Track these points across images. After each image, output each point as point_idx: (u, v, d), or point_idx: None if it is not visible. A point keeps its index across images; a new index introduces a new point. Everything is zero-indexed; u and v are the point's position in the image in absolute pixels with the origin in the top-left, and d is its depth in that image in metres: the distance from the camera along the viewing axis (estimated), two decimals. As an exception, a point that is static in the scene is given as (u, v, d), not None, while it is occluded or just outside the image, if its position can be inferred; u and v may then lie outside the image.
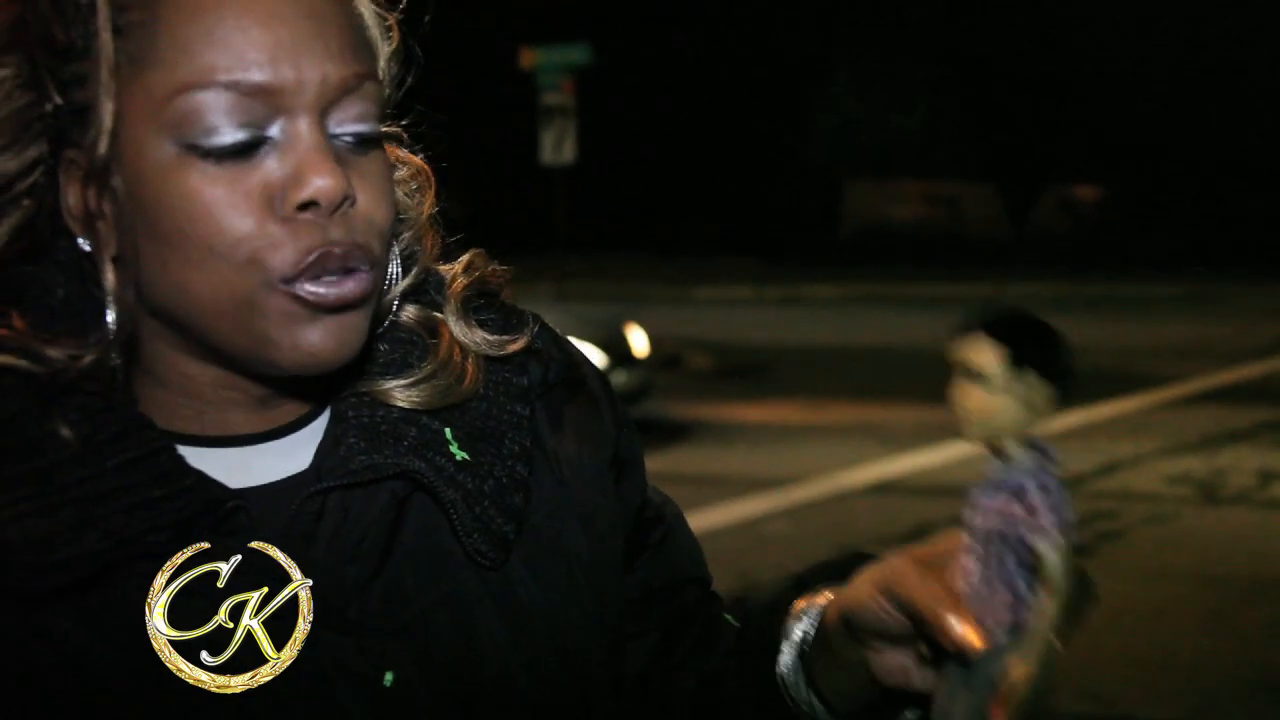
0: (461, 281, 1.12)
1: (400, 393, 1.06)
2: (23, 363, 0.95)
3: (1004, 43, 30.43)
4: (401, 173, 1.10)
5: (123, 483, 0.95)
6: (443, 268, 1.14)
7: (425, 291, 1.12)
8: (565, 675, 1.09)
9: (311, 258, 0.95)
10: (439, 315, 1.11)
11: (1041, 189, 31.47)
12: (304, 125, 0.96)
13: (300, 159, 0.95)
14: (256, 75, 0.94)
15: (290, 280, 0.95)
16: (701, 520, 8.19)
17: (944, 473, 9.65)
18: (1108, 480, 9.67)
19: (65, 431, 0.95)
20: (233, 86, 0.93)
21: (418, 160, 1.12)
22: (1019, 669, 0.88)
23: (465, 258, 1.14)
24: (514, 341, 1.12)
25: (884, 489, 9.54)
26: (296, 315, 0.96)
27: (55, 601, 0.94)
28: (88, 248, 0.98)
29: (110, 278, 0.97)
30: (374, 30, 1.03)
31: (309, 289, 0.96)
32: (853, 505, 9.07)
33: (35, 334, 0.96)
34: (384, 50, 1.04)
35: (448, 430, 1.07)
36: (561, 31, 17.30)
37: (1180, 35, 29.00)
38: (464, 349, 1.10)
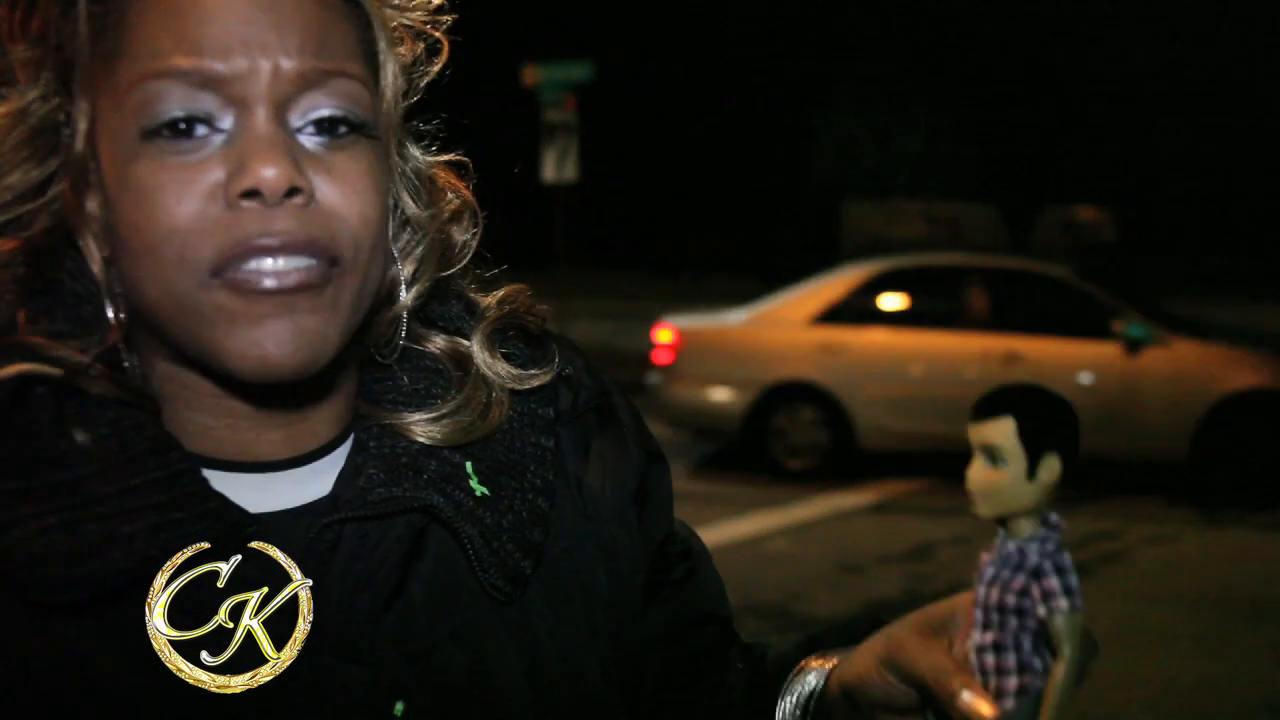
0: (494, 314, 1.12)
1: (420, 427, 1.06)
2: (45, 368, 0.96)
3: (1005, 64, 30.50)
4: (444, 203, 1.09)
5: (146, 502, 0.95)
6: (479, 297, 1.13)
7: (452, 319, 1.11)
8: (579, 707, 1.08)
9: (241, 247, 0.93)
10: (466, 345, 1.10)
11: (1041, 210, 31.51)
12: (258, 116, 0.95)
13: (246, 149, 0.94)
14: (208, 64, 0.94)
15: (221, 270, 0.94)
16: (702, 538, 8.15)
17: (945, 492, 9.64)
18: (1108, 502, 9.65)
19: (93, 446, 0.95)
20: (185, 76, 0.94)
21: (468, 194, 1.11)
22: None
23: (502, 292, 1.14)
24: (537, 376, 1.11)
25: (883, 508, 9.53)
26: (235, 313, 0.94)
27: (70, 611, 0.94)
28: (81, 242, 0.99)
29: (102, 273, 0.98)
30: (383, 42, 1.02)
31: (243, 277, 0.94)
32: (852, 524, 9.05)
33: (49, 337, 0.97)
34: (390, 56, 1.03)
35: (469, 464, 1.06)
36: (564, 49, 17.35)
37: (1182, 58, 29.05)
38: (489, 384, 1.09)
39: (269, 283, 0.94)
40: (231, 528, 0.97)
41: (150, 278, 0.95)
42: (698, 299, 24.12)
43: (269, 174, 0.93)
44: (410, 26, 1.06)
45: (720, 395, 10.72)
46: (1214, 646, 6.56)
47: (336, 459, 1.06)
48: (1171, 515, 9.38)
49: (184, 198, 0.93)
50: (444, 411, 1.06)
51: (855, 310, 10.61)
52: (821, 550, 8.22)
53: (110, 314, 0.99)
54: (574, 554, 1.11)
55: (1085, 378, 9.92)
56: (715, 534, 8.16)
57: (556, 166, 14.98)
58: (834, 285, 10.81)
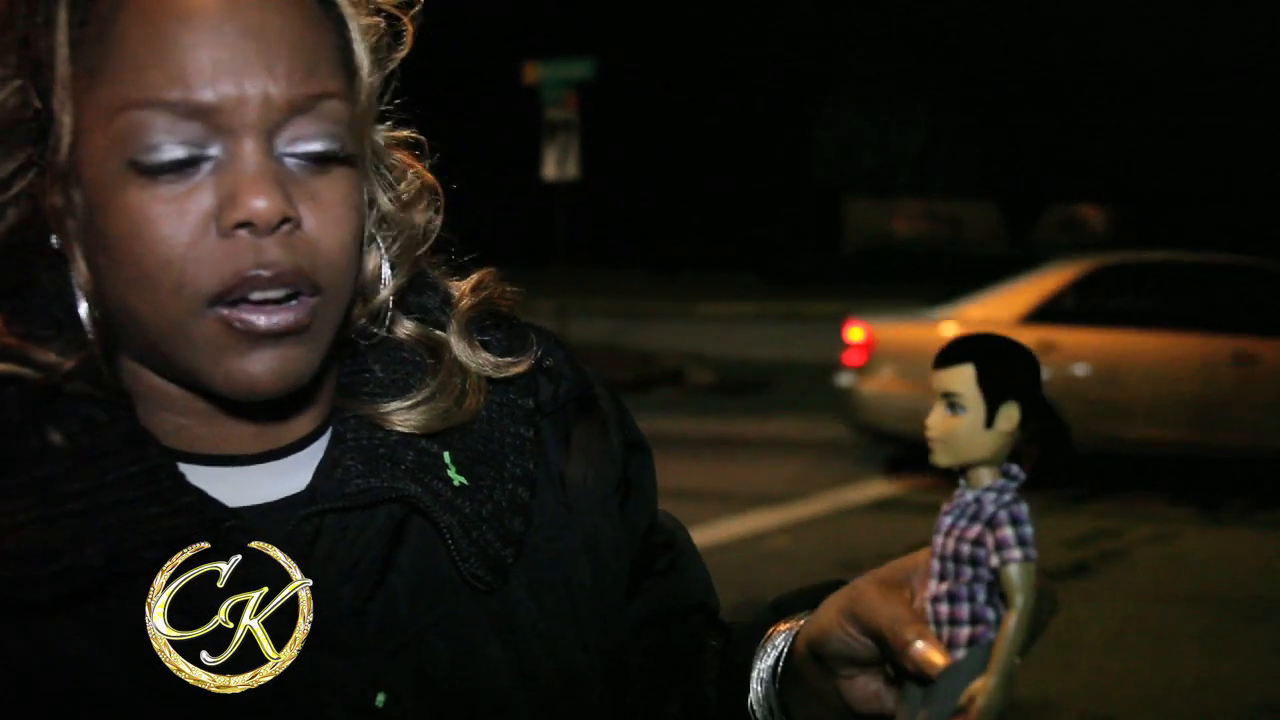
0: (469, 301, 1.12)
1: (399, 415, 1.06)
2: (20, 369, 0.95)
3: (1006, 61, 30.49)
4: (405, 185, 1.09)
5: (121, 497, 0.95)
6: (452, 285, 1.13)
7: (428, 309, 1.11)
8: (565, 699, 1.08)
9: (239, 278, 0.94)
10: (441, 334, 1.10)
11: (1043, 207, 31.49)
12: (247, 146, 0.94)
13: (237, 180, 0.94)
14: (196, 94, 0.93)
15: (216, 302, 0.94)
16: (702, 536, 8.14)
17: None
18: (1109, 500, 9.65)
19: (66, 444, 0.95)
20: (172, 105, 0.93)
21: (427, 175, 1.11)
22: (980, 687, 0.88)
23: (475, 277, 1.13)
24: (516, 364, 1.11)
25: (885, 506, 9.53)
26: (227, 344, 0.95)
27: (52, 610, 0.94)
28: (56, 243, 0.99)
29: (82, 278, 0.97)
30: (359, 45, 1.01)
31: (239, 316, 0.95)
32: (854, 522, 9.05)
33: (24, 338, 0.97)
34: (367, 54, 1.02)
35: (447, 454, 1.06)
36: (565, 46, 17.33)
37: (1183, 54, 29.05)
38: (465, 370, 1.09)
39: (261, 323, 0.95)
40: (210, 521, 0.97)
41: (143, 301, 0.95)
42: (698, 297, 24.15)
43: (261, 206, 0.93)
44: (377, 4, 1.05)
45: (921, 397, 10.24)
46: (1216, 645, 6.55)
47: (314, 452, 1.06)
48: (1173, 513, 9.38)
49: (178, 228, 0.93)
50: (420, 398, 1.06)
51: (1066, 309, 10.07)
52: (822, 547, 8.22)
53: (88, 322, 0.98)
54: (556, 544, 1.11)
55: None
56: (714, 531, 8.17)
57: (558, 164, 14.96)
58: (1043, 283, 10.27)
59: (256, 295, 0.94)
